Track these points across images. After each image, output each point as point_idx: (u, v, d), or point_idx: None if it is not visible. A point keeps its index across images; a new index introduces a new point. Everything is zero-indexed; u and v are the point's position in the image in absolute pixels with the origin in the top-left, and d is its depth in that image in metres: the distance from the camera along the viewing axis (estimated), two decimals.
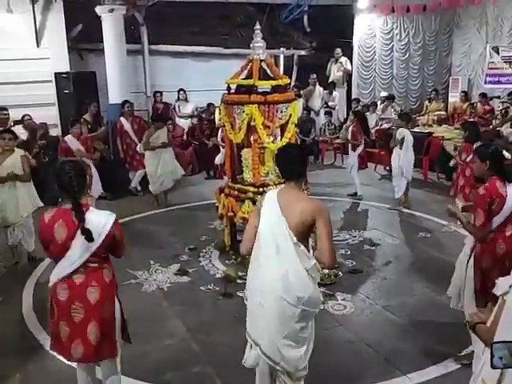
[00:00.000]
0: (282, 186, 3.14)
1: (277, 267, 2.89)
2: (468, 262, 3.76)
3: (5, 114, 7.73)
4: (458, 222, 3.95)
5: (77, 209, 2.92)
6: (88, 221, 2.92)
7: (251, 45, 5.42)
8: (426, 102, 12.21)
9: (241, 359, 3.16)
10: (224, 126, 5.66)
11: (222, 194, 5.68)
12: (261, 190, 5.21)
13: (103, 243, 2.96)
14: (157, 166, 7.82)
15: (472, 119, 9.61)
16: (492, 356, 2.08)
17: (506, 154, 4.33)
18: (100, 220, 2.97)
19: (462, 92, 11.82)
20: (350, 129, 8.22)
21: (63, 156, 6.76)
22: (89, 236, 2.88)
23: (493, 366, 2.11)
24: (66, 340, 3.00)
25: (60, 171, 3.01)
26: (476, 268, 3.67)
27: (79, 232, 2.90)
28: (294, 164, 3.06)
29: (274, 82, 5.32)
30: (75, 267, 2.95)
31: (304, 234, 2.91)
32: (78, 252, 2.93)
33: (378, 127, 10.76)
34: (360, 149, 8.10)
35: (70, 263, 2.95)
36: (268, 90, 5.30)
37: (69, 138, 6.97)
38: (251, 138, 5.34)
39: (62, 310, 2.99)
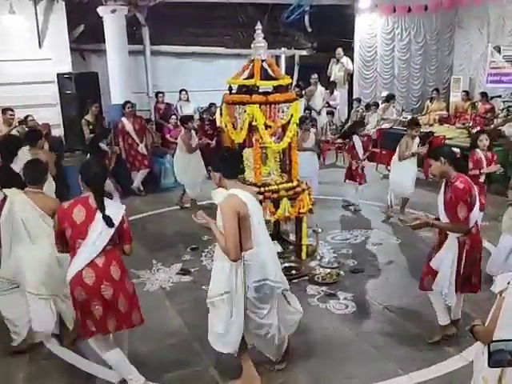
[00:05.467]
0: (233, 185, 3.39)
1: (269, 247, 3.54)
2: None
3: (11, 115, 7.81)
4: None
5: (99, 200, 3.28)
6: (106, 209, 3.28)
7: (252, 45, 5.42)
8: (428, 101, 12.20)
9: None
10: (226, 125, 5.67)
11: None
12: (262, 189, 5.22)
13: (118, 229, 3.32)
14: (192, 171, 7.79)
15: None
16: (490, 355, 2.06)
17: (455, 149, 4.87)
18: (113, 209, 3.34)
19: (464, 91, 11.80)
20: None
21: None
22: (110, 222, 3.25)
23: (490, 365, 2.09)
24: (101, 317, 3.31)
25: (87, 167, 3.44)
26: (466, 261, 3.66)
27: (98, 218, 3.23)
28: (240, 163, 3.73)
29: (275, 82, 5.31)
30: (99, 251, 3.26)
31: None
32: (99, 236, 3.22)
33: (378, 127, 10.76)
34: None
35: (93, 249, 3.25)
36: (269, 90, 5.30)
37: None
38: (253, 138, 5.35)
39: (91, 292, 3.28)
